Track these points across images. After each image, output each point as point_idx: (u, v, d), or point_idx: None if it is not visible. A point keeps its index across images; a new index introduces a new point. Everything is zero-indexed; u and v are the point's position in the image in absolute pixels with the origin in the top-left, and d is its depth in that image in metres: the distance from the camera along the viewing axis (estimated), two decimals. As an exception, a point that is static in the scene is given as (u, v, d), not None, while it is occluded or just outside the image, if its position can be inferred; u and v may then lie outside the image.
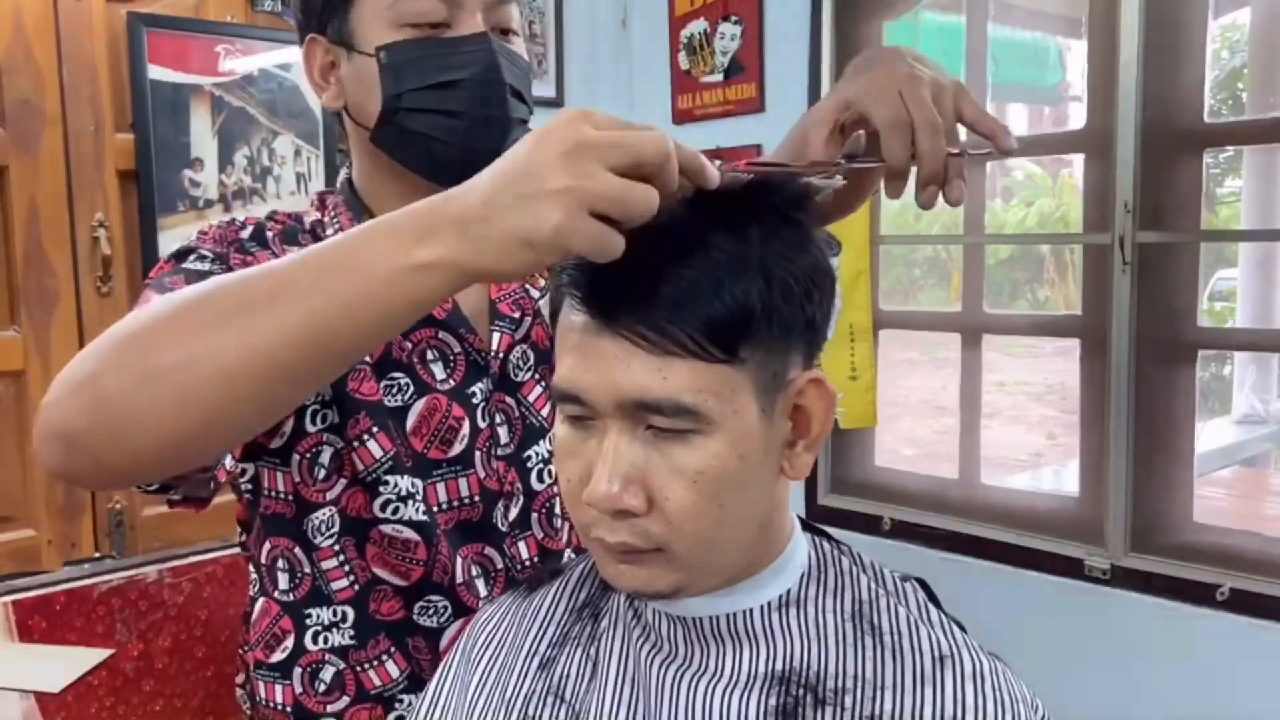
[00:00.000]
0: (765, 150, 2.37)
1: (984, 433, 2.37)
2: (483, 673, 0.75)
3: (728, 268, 0.59)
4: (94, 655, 1.69)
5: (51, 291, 1.90)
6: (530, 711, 0.71)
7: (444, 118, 0.86)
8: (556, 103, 2.69)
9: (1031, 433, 6.95)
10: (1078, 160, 2.12)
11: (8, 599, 1.78)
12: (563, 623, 0.75)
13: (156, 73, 2.00)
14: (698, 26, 2.57)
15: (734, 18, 2.49)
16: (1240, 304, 5.73)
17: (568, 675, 0.72)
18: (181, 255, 0.84)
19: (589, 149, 0.56)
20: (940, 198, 0.76)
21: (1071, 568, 2.01)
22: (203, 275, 0.80)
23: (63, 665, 1.63)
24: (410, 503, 0.88)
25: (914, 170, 0.75)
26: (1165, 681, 1.87)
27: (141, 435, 0.62)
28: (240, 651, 0.97)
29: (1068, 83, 7.96)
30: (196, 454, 0.67)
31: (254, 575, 0.94)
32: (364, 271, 0.59)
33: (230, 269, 0.82)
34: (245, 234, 0.89)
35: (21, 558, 1.86)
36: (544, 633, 0.75)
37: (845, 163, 0.76)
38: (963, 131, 0.77)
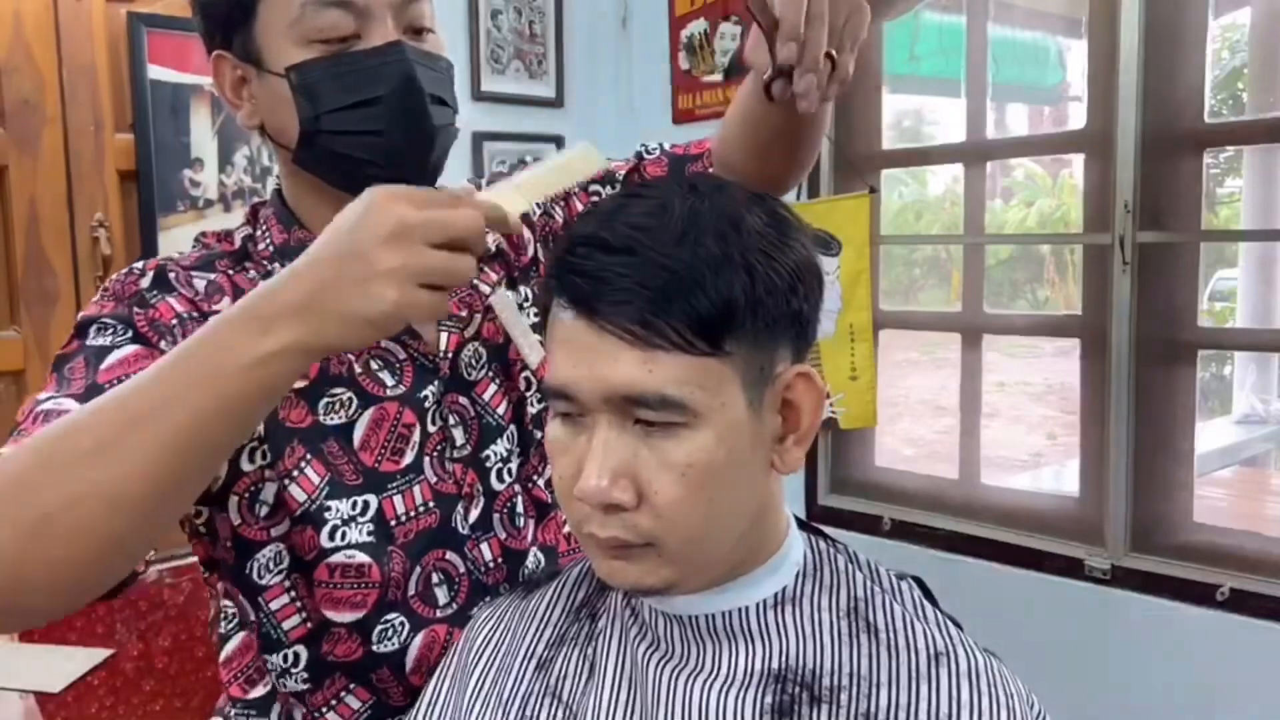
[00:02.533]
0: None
1: (984, 433, 2.37)
2: (480, 674, 0.75)
3: (712, 262, 0.60)
4: (94, 655, 1.69)
5: (51, 291, 1.90)
6: (528, 712, 0.71)
7: (366, 137, 0.83)
8: (557, 103, 2.69)
9: (1031, 433, 6.95)
10: (1078, 160, 2.12)
11: (8, 599, 1.77)
12: (560, 623, 0.76)
13: (156, 73, 2.01)
14: (698, 26, 2.57)
15: (734, 18, 2.49)
16: (1240, 304, 5.72)
17: (565, 675, 0.72)
18: (83, 329, 0.80)
19: (411, 229, 0.61)
20: (818, 90, 0.76)
21: (1071, 568, 2.01)
22: (105, 350, 0.78)
23: (63, 665, 1.63)
24: (354, 525, 0.84)
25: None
26: (1165, 681, 1.87)
27: (44, 581, 0.61)
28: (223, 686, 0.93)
29: (1068, 83, 7.97)
30: (106, 580, 0.66)
31: (230, 609, 0.90)
32: (217, 376, 0.62)
33: (136, 331, 0.80)
34: (145, 282, 0.84)
35: (21, 558, 1.86)
36: (541, 633, 0.75)
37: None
38: None
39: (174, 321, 0.82)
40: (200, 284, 0.86)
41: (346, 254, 0.61)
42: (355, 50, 0.82)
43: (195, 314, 0.83)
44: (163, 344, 0.80)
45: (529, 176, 0.76)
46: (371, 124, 0.83)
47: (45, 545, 0.60)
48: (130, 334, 0.80)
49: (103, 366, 0.77)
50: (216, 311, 0.84)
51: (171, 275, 0.85)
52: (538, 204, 1.01)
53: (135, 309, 0.82)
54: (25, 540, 0.60)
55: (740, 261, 0.61)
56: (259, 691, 0.88)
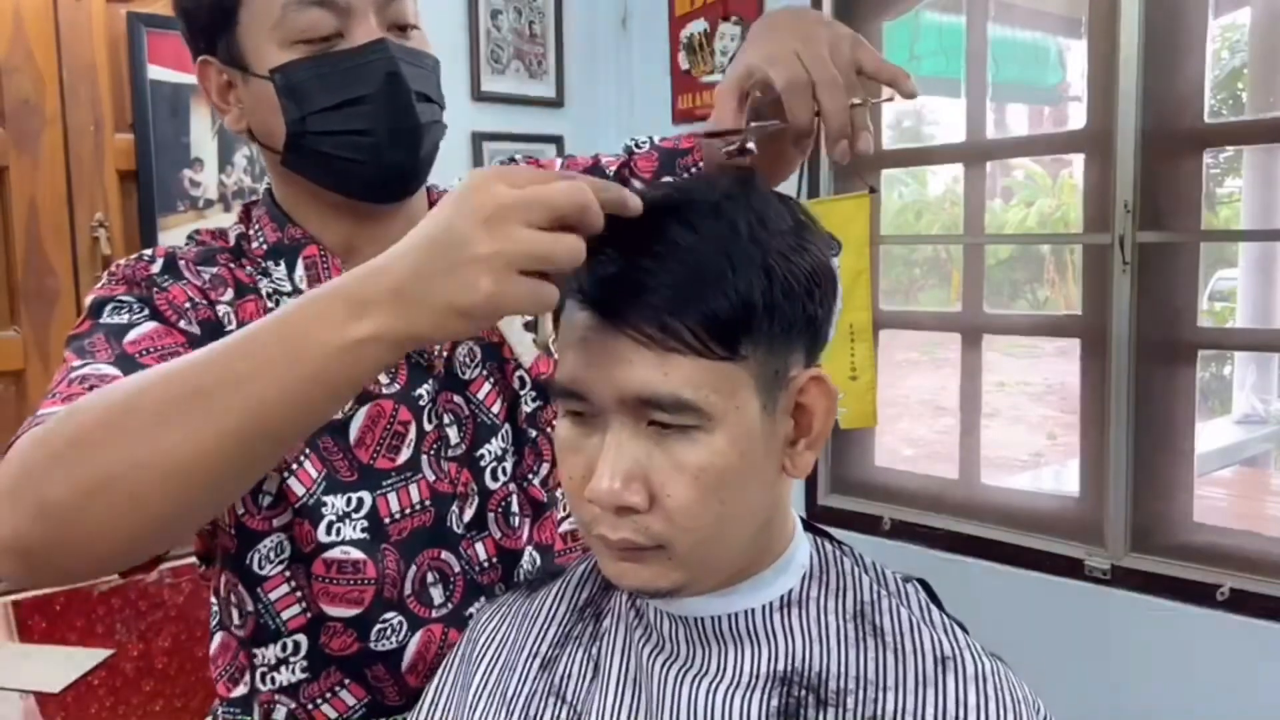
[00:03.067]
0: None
1: (984, 433, 2.37)
2: (483, 673, 0.75)
3: (730, 265, 0.60)
4: (94, 655, 1.69)
5: (51, 291, 1.90)
6: (531, 712, 0.71)
7: (353, 137, 0.82)
8: (557, 103, 2.69)
9: (1031, 433, 6.95)
10: (1078, 160, 2.12)
11: (8, 599, 1.78)
12: (564, 623, 0.75)
13: (156, 73, 2.01)
14: (698, 26, 2.57)
15: (734, 18, 2.49)
16: (1240, 304, 5.72)
17: (569, 675, 0.72)
18: (97, 308, 0.79)
19: (508, 210, 0.56)
20: (850, 150, 0.77)
21: (1071, 568, 2.01)
22: (124, 328, 0.77)
23: (63, 665, 1.63)
24: (349, 521, 0.84)
25: (823, 129, 0.77)
26: (1165, 681, 1.87)
27: (97, 541, 0.60)
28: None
29: (1068, 83, 7.97)
30: (157, 547, 0.65)
31: (214, 607, 0.91)
32: (302, 355, 0.59)
33: (154, 309, 0.80)
34: (155, 268, 0.83)
35: (22, 558, 1.85)
36: (545, 633, 0.75)
37: (749, 126, 0.77)
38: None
39: (187, 305, 0.82)
40: (206, 275, 0.86)
41: (441, 239, 0.57)
42: (338, 50, 0.82)
43: (204, 301, 0.83)
44: (181, 323, 0.80)
45: None
46: (357, 123, 0.82)
47: (100, 506, 0.59)
48: (148, 312, 0.80)
49: (126, 340, 0.76)
50: (222, 302, 0.84)
51: (180, 263, 0.85)
52: None
53: (152, 290, 0.81)
54: (81, 498, 0.59)
55: (759, 265, 0.60)
56: (240, 691, 0.88)
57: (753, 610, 0.67)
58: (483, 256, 0.55)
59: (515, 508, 0.91)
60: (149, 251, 0.86)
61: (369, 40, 0.82)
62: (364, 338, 0.58)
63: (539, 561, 0.91)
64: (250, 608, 0.86)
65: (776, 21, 0.80)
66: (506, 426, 0.92)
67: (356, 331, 0.58)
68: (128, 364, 0.74)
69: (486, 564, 0.89)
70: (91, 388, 0.70)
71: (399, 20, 0.85)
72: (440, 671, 0.80)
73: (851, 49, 0.77)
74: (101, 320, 0.78)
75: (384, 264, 0.59)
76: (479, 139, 2.52)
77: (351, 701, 0.86)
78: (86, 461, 0.59)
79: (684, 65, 2.62)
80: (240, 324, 0.84)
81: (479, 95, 2.54)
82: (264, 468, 0.65)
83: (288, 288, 0.88)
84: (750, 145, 0.76)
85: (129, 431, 0.59)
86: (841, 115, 0.74)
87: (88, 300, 0.82)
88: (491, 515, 0.90)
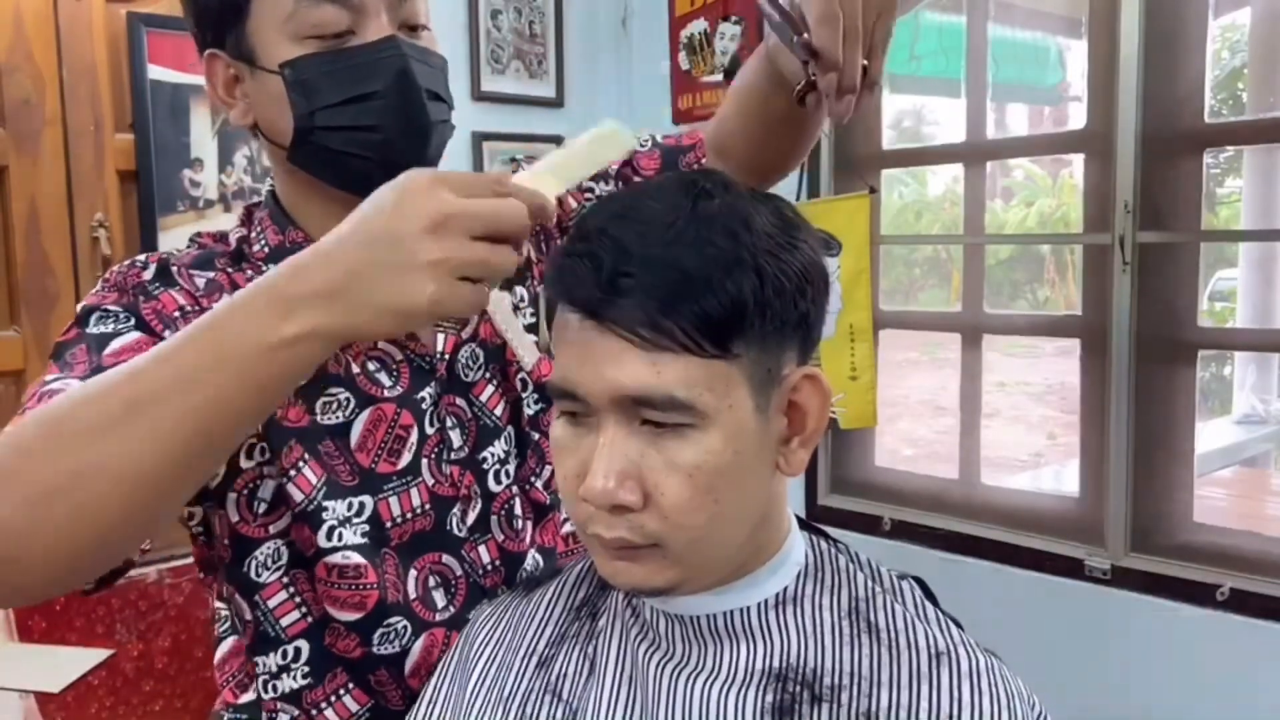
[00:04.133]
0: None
1: (984, 433, 2.37)
2: (480, 673, 0.75)
3: (720, 264, 0.60)
4: (94, 655, 1.69)
5: (51, 291, 1.90)
6: (528, 710, 0.71)
7: (362, 133, 0.82)
8: (557, 103, 2.69)
9: (1031, 433, 6.95)
10: (1078, 160, 2.12)
11: (8, 599, 1.78)
12: (561, 622, 0.76)
13: (156, 73, 2.01)
14: (698, 26, 2.57)
15: (734, 18, 2.49)
16: (1240, 304, 5.72)
17: (565, 674, 0.72)
18: (84, 317, 0.79)
19: (454, 220, 0.59)
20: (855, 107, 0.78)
21: (1071, 568, 2.01)
22: (107, 337, 0.77)
23: (63, 665, 1.63)
24: (350, 525, 0.83)
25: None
26: (1165, 681, 1.87)
27: (42, 558, 0.60)
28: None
29: (1068, 83, 7.97)
30: (104, 562, 0.65)
31: (223, 612, 0.90)
32: (235, 357, 0.60)
33: (140, 319, 0.79)
34: (148, 274, 0.83)
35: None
36: (542, 632, 0.75)
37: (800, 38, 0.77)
38: None
39: (176, 314, 0.81)
40: (200, 281, 0.85)
41: (384, 240, 0.58)
42: (350, 46, 0.82)
43: (196, 309, 0.83)
44: (166, 333, 0.80)
45: (562, 159, 0.74)
46: (367, 119, 0.82)
47: (47, 519, 0.59)
48: (133, 321, 0.79)
49: (106, 351, 0.76)
50: None
51: (174, 269, 0.85)
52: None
53: (139, 299, 0.81)
54: (26, 512, 0.59)
55: (750, 264, 0.61)
56: (249, 697, 0.88)
57: (748, 608, 0.67)
58: (430, 264, 0.58)
59: (518, 510, 0.91)
60: (143, 257, 0.85)
61: (381, 37, 0.82)
62: (296, 335, 0.60)
63: (542, 564, 0.91)
64: (249, 615, 0.85)
65: None
66: (509, 429, 0.92)
67: (286, 330, 0.59)
68: None
69: (490, 567, 0.89)
70: None
71: (411, 19, 0.85)
72: (437, 672, 0.80)
73: (884, 22, 0.78)
74: (87, 330, 0.78)
75: (311, 261, 0.61)
76: (479, 139, 2.52)
77: (355, 708, 0.86)
78: (28, 476, 0.59)
79: (684, 65, 2.61)
80: None
81: (479, 95, 2.54)
82: (208, 470, 0.66)
83: None
84: (814, 77, 0.77)
85: (69, 442, 0.60)
86: (855, 69, 0.75)
87: (80, 306, 0.82)
88: (495, 518, 0.90)
